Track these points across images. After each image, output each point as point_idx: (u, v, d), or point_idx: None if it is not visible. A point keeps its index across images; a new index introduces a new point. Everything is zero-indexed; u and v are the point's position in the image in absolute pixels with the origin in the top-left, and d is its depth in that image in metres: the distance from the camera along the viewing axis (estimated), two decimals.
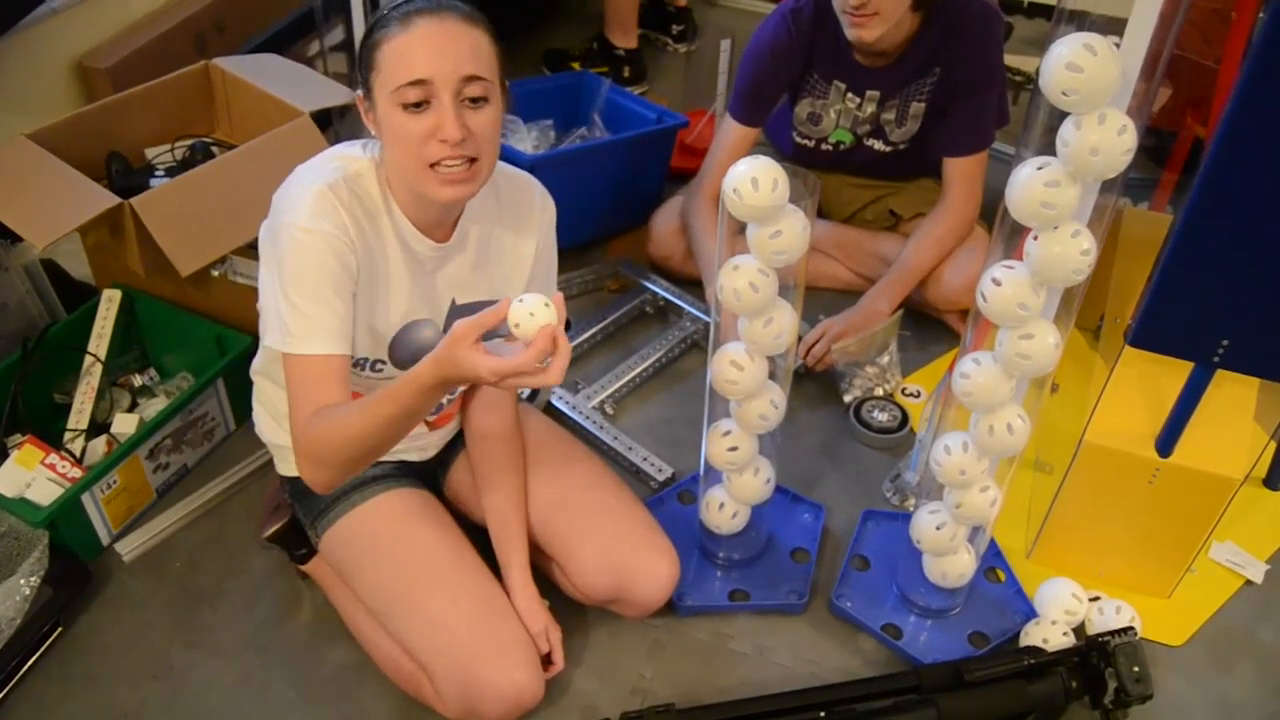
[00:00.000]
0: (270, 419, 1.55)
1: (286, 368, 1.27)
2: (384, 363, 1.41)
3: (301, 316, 1.24)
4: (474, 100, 1.21)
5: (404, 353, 1.41)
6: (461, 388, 1.55)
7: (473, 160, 1.23)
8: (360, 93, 1.27)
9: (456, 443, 1.65)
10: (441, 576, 1.43)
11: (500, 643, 1.38)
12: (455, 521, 1.55)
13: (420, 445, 1.59)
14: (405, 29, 1.19)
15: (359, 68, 1.26)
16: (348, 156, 1.32)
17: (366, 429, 1.22)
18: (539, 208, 1.47)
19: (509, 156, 2.18)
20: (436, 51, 1.18)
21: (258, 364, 1.54)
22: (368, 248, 1.30)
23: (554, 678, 1.49)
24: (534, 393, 1.95)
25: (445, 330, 1.40)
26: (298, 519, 1.58)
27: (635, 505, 1.57)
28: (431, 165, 1.22)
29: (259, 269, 1.33)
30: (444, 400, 1.53)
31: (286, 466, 1.56)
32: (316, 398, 1.25)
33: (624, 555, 1.50)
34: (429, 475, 1.64)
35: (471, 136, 1.21)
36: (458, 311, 1.42)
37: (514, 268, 1.47)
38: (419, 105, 1.19)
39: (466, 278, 1.42)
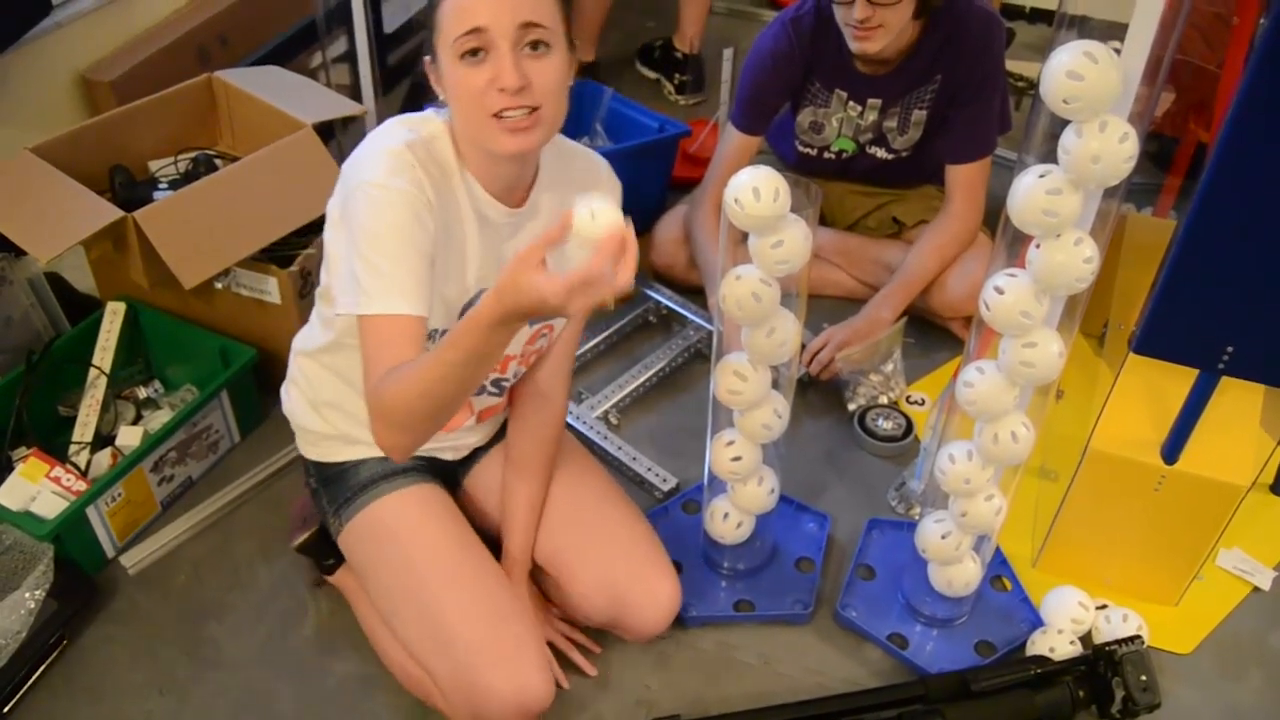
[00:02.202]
0: (304, 401, 1.53)
1: (362, 331, 1.23)
2: None
3: (378, 274, 1.20)
4: (534, 47, 1.19)
5: None
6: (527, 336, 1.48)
7: (535, 110, 1.21)
8: (428, 58, 1.26)
9: (479, 449, 1.64)
10: (451, 577, 1.42)
11: (505, 645, 1.37)
12: (476, 537, 1.52)
13: (455, 445, 1.59)
14: None
15: (428, 32, 1.24)
16: (422, 119, 1.30)
17: (433, 381, 1.15)
18: (607, 184, 1.45)
19: None
20: (493, 1, 1.17)
21: (302, 343, 1.51)
22: (443, 211, 1.27)
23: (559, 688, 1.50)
24: None
25: None
26: (326, 528, 1.56)
27: (642, 532, 1.56)
28: (494, 116, 1.20)
29: (328, 242, 1.32)
30: (515, 354, 1.48)
31: (313, 449, 1.54)
32: (390, 357, 1.19)
33: (622, 585, 1.50)
34: (450, 476, 1.63)
35: (531, 85, 1.19)
36: None
37: None
38: (476, 54, 1.18)
39: None
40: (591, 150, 1.47)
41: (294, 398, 1.55)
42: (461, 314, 1.36)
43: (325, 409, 1.50)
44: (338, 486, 1.51)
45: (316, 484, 1.56)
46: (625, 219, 1.04)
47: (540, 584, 1.60)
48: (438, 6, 1.21)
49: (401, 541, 1.45)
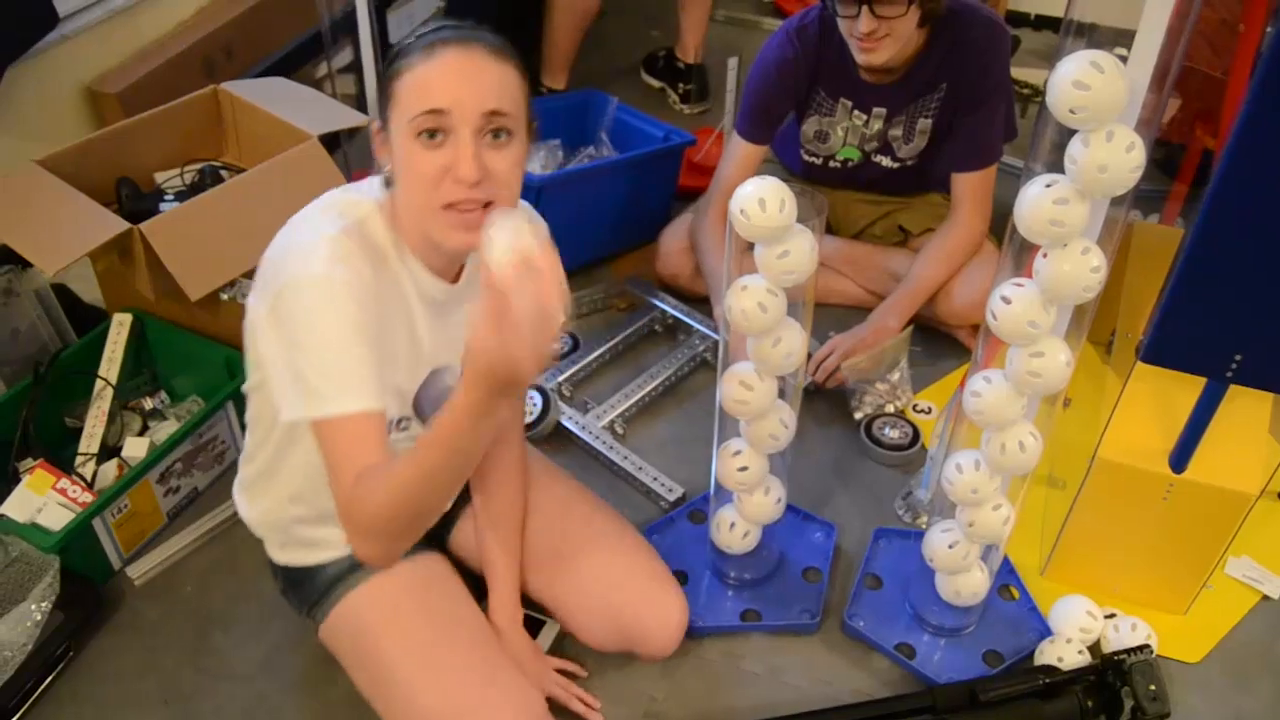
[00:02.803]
0: (263, 524, 1.45)
1: (319, 437, 1.15)
2: (409, 420, 1.33)
3: (328, 373, 1.13)
4: (496, 135, 1.14)
5: (429, 405, 1.34)
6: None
7: (489, 204, 1.14)
8: (377, 124, 1.20)
9: (460, 499, 1.57)
10: (431, 664, 1.35)
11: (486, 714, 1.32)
12: (456, 576, 1.48)
13: None
14: (428, 58, 1.12)
15: (379, 98, 1.19)
16: (349, 201, 1.22)
17: (415, 487, 1.08)
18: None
19: None
20: (459, 82, 1.11)
21: (250, 452, 1.40)
22: (384, 298, 1.21)
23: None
24: (543, 414, 1.95)
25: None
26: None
27: (638, 556, 1.53)
28: (445, 206, 1.14)
29: (252, 342, 1.22)
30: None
31: (277, 552, 1.46)
32: (357, 460, 1.12)
33: (629, 616, 1.48)
34: (433, 533, 1.52)
35: (490, 177, 1.13)
36: None
37: None
38: (434, 135, 1.12)
39: None
40: None
41: (246, 509, 1.46)
42: (417, 399, 1.31)
43: (283, 528, 1.43)
44: (305, 588, 1.44)
45: (284, 586, 1.49)
46: (532, 230, 0.96)
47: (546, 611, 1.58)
48: (397, 76, 1.14)
49: (371, 640, 1.37)
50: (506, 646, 1.47)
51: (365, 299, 1.16)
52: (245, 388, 1.35)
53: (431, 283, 1.27)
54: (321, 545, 1.41)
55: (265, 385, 1.25)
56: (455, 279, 1.30)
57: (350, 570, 1.40)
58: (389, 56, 1.18)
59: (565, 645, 1.59)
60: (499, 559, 1.51)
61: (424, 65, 1.12)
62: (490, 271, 0.94)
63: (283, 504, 1.40)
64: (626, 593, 1.49)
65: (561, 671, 1.55)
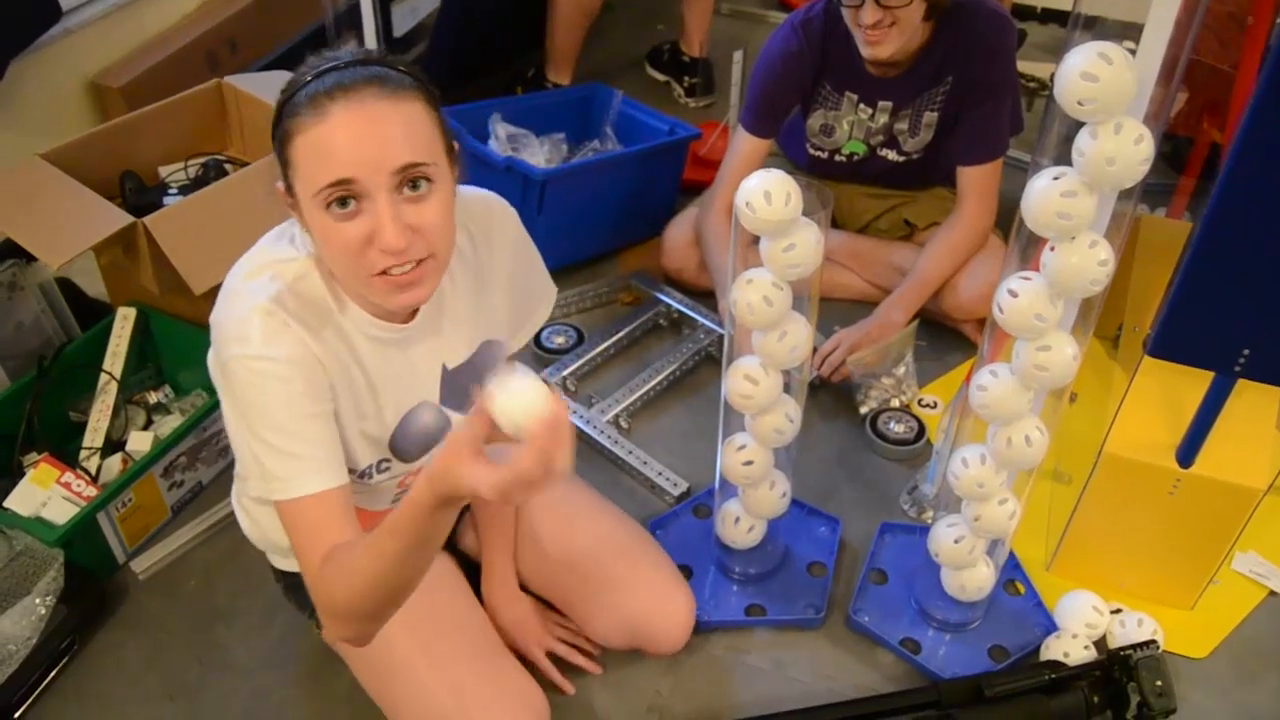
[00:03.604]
0: (264, 537, 1.42)
1: (282, 516, 1.12)
2: (389, 461, 1.29)
3: (283, 458, 1.09)
4: (414, 186, 1.03)
5: (408, 444, 1.28)
6: None
7: (424, 260, 1.06)
8: (281, 186, 1.09)
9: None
10: (439, 665, 1.35)
11: (492, 700, 1.33)
12: (463, 579, 1.49)
13: None
14: (318, 117, 1.00)
15: (278, 158, 1.07)
16: (281, 261, 1.13)
17: (379, 573, 1.04)
18: (498, 225, 1.30)
19: (521, 171, 2.18)
20: (357, 142, 1.00)
21: (244, 475, 1.30)
22: (333, 356, 1.14)
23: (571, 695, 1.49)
24: None
25: (442, 400, 1.28)
26: None
27: (645, 555, 1.53)
28: (377, 274, 1.05)
29: (220, 396, 1.17)
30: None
31: (281, 560, 1.45)
32: (322, 542, 1.09)
33: (638, 615, 1.48)
34: None
35: (419, 235, 1.04)
36: (451, 377, 1.28)
37: (496, 296, 1.32)
38: (345, 203, 1.01)
39: (448, 340, 1.27)
40: (469, 192, 1.27)
41: (248, 524, 1.43)
42: (393, 442, 1.26)
43: (286, 547, 1.37)
44: (306, 592, 1.40)
45: (285, 589, 1.48)
46: (551, 387, 0.91)
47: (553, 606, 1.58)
48: (289, 140, 1.02)
49: (384, 636, 1.25)
50: (507, 613, 1.49)
51: (310, 368, 1.11)
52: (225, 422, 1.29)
53: (381, 327, 1.18)
54: None
55: None
56: (409, 318, 1.21)
57: None
58: (276, 110, 1.06)
59: None
60: (495, 537, 1.51)
61: (315, 127, 1.00)
62: (513, 418, 0.89)
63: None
64: (634, 591, 1.49)
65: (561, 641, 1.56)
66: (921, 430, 1.98)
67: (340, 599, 1.07)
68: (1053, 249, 1.20)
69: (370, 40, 2.19)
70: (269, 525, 1.38)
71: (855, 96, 2.11)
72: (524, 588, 1.56)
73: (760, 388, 1.40)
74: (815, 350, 2.02)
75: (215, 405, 1.80)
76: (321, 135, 1.00)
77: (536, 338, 2.16)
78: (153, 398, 1.92)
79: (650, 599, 1.49)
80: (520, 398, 0.88)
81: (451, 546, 1.58)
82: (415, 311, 1.21)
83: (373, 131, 1.00)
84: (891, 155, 2.19)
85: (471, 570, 1.55)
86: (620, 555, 1.52)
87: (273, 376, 1.08)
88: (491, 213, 1.30)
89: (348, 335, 1.16)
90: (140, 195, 1.96)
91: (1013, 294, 1.24)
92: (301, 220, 1.09)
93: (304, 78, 1.03)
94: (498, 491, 0.89)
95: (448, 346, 1.27)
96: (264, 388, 1.08)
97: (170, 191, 1.98)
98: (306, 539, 1.10)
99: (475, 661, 1.38)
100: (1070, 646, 1.53)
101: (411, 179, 1.03)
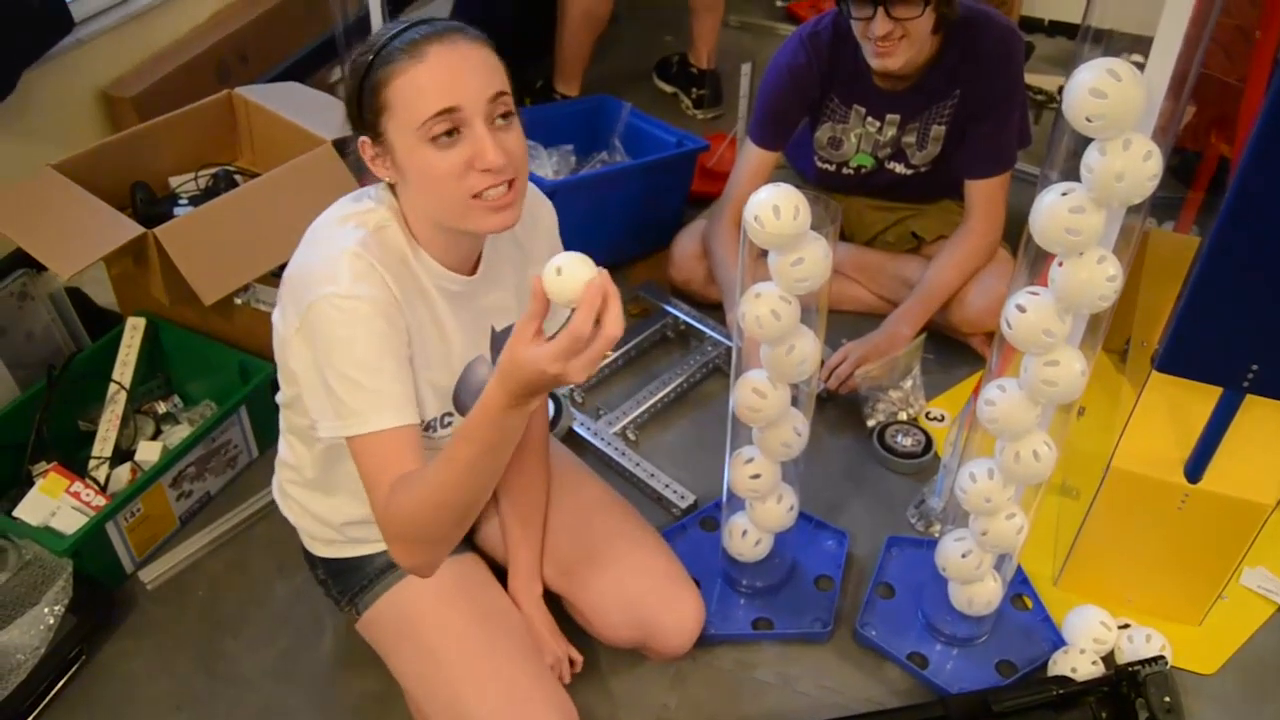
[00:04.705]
0: (308, 517, 1.46)
1: (354, 452, 1.18)
2: (452, 415, 1.35)
3: (361, 392, 1.15)
4: (504, 118, 1.16)
5: (468, 398, 1.35)
6: None
7: (513, 182, 1.18)
8: (364, 139, 1.19)
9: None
10: (471, 664, 1.37)
11: None
12: (495, 579, 1.50)
13: None
14: (417, 59, 1.11)
15: (361, 113, 1.17)
16: (363, 211, 1.23)
17: (450, 486, 1.11)
18: (542, 209, 1.42)
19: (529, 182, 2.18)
20: (459, 76, 1.12)
21: (289, 474, 1.44)
22: (410, 303, 1.23)
23: (579, 706, 1.48)
24: (556, 420, 1.95)
25: (494, 360, 1.37)
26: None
27: (659, 553, 1.54)
28: (473, 197, 1.15)
29: (285, 357, 1.25)
30: None
31: (322, 548, 1.47)
32: (392, 472, 1.15)
33: (647, 613, 1.49)
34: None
35: (509, 158, 1.15)
36: (499, 338, 1.38)
37: (534, 271, 1.37)
38: (450, 134, 1.13)
39: (501, 301, 1.37)
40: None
41: (295, 512, 1.48)
42: (455, 394, 1.34)
43: (335, 529, 1.44)
44: (350, 577, 1.46)
45: (325, 575, 1.50)
46: (596, 267, 1.02)
47: (564, 608, 1.58)
48: (386, 84, 1.13)
49: (420, 631, 1.40)
50: (528, 621, 1.50)
51: (391, 311, 1.19)
52: (280, 401, 1.38)
53: (450, 278, 1.28)
54: (373, 541, 1.44)
55: (300, 399, 1.27)
56: (472, 271, 1.31)
57: None
58: (359, 67, 1.16)
59: (581, 643, 1.58)
60: (521, 539, 1.52)
61: (415, 67, 1.12)
62: (562, 292, 1.01)
63: (337, 510, 1.42)
64: (645, 588, 1.50)
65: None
66: (929, 443, 1.97)
67: (407, 517, 1.14)
68: (1061, 264, 1.20)
69: None
70: (319, 509, 1.43)
71: (863, 109, 2.12)
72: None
73: (768, 401, 1.40)
74: (823, 363, 2.02)
75: (224, 416, 1.81)
76: (422, 73, 1.11)
77: None
78: (162, 408, 1.93)
79: (659, 595, 1.49)
80: (568, 271, 1.01)
81: (474, 546, 1.59)
82: (477, 265, 1.31)
83: (469, 65, 1.13)
84: (899, 168, 2.20)
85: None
86: (634, 548, 1.53)
87: (360, 314, 1.15)
88: (536, 197, 1.40)
89: (424, 287, 1.25)
90: (151, 206, 1.97)
91: (1021, 309, 1.24)
92: (387, 168, 1.19)
93: (386, 35, 1.15)
94: (560, 359, 1.00)
95: (498, 307, 1.37)
96: (351, 324, 1.15)
97: (181, 202, 1.98)
98: (378, 468, 1.17)
99: (526, 663, 1.40)
100: (1078, 662, 1.52)
101: (502, 111, 1.15)
